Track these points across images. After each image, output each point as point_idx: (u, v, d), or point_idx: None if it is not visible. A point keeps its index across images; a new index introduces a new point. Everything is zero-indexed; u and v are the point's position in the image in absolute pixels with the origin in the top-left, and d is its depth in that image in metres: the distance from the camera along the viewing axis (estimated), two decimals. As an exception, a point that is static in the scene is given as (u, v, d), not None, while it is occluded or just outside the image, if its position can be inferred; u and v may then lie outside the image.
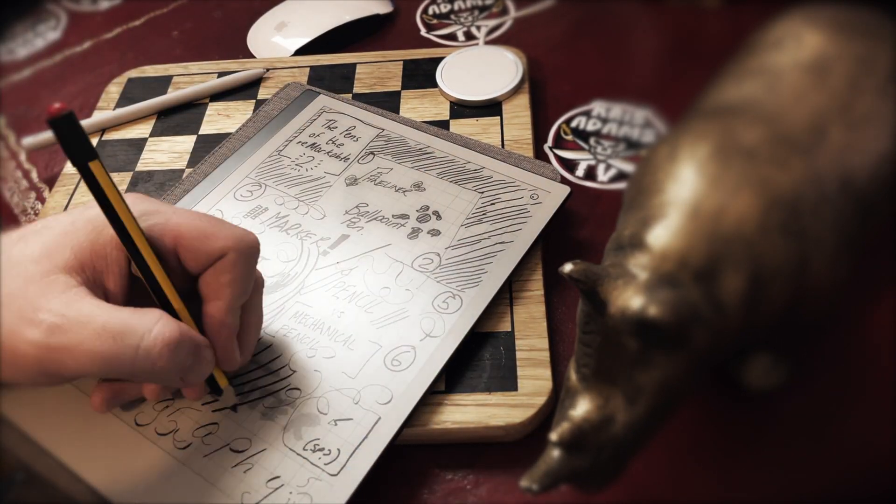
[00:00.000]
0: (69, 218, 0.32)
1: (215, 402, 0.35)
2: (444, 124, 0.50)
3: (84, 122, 0.52)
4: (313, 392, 0.35)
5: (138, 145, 0.51)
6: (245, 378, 0.36)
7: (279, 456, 0.33)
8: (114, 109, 0.54)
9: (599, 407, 0.27)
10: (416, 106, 0.52)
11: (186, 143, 0.51)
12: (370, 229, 0.42)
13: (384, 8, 0.60)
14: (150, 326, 0.29)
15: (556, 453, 0.27)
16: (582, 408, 0.28)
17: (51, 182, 0.51)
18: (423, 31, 0.60)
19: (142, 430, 0.35)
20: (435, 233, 0.42)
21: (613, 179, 0.47)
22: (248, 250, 0.33)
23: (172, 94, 0.54)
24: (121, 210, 0.30)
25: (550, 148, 0.49)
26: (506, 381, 0.36)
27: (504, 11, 0.61)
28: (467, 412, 0.35)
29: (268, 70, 0.55)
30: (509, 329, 0.38)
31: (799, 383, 0.35)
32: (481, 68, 0.52)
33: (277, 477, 0.33)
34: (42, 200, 0.50)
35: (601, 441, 0.27)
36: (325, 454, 0.33)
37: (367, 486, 0.32)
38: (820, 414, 0.35)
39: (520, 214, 0.42)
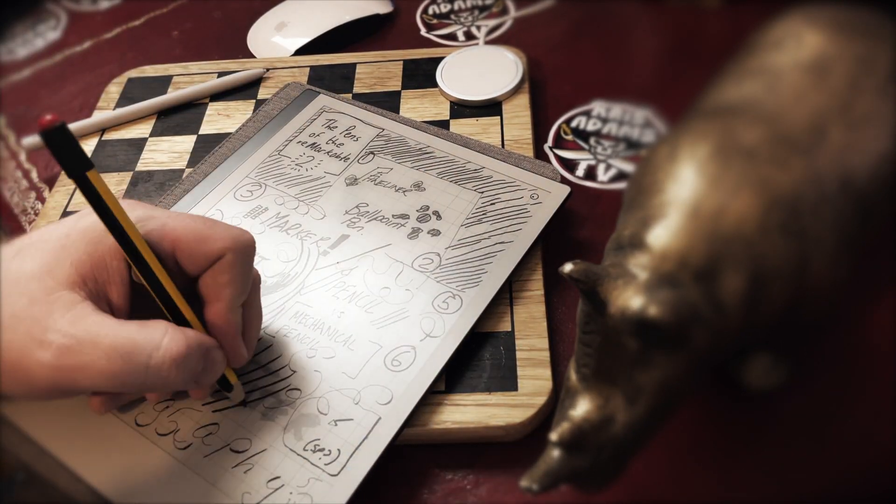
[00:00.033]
0: (62, 230, 0.32)
1: (217, 402, 0.35)
2: (444, 124, 0.50)
3: (84, 122, 0.52)
4: (313, 392, 0.35)
5: (138, 145, 0.51)
6: (245, 378, 0.36)
7: (279, 456, 0.33)
8: (114, 109, 0.54)
9: (599, 407, 0.27)
10: (416, 106, 0.52)
11: (186, 143, 0.51)
12: (370, 229, 0.42)
13: (384, 8, 0.60)
14: (158, 342, 0.29)
15: (556, 453, 0.27)
16: (582, 408, 0.28)
17: (51, 182, 0.51)
18: (423, 31, 0.60)
19: (142, 430, 0.35)
20: (435, 233, 0.42)
21: (613, 179, 0.47)
22: (245, 249, 0.33)
23: (172, 94, 0.54)
24: (122, 218, 0.30)
25: (550, 148, 0.49)
26: (506, 381, 0.36)
27: (504, 11, 0.61)
28: (467, 412, 0.35)
29: (268, 70, 0.55)
30: (509, 329, 0.38)
31: (799, 383, 0.35)
32: (481, 68, 0.52)
33: (278, 477, 0.33)
34: (42, 200, 0.50)
35: (601, 441, 0.27)
36: (325, 454, 0.33)
37: (367, 486, 0.32)
38: (820, 414, 0.35)
39: (520, 214, 0.42)
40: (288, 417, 0.35)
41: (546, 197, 0.43)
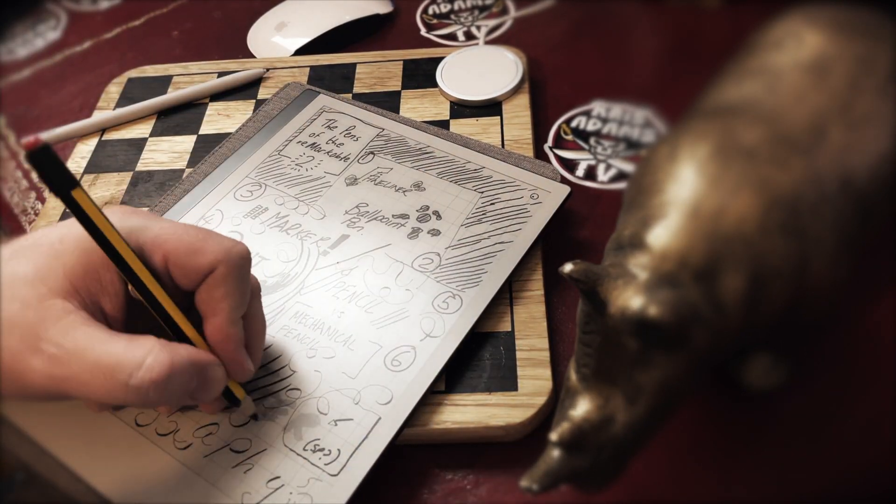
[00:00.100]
0: (57, 235, 0.31)
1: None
2: (444, 124, 0.50)
3: (84, 122, 0.52)
4: (313, 392, 0.35)
5: (138, 145, 0.51)
6: (245, 378, 0.36)
7: (279, 456, 0.33)
8: (114, 109, 0.54)
9: (599, 407, 0.27)
10: (416, 106, 0.52)
11: (186, 142, 0.51)
12: (370, 229, 0.42)
13: (384, 8, 0.60)
14: (141, 361, 0.28)
15: (556, 453, 0.27)
16: (582, 408, 0.28)
17: (51, 182, 0.51)
18: (423, 31, 0.60)
19: (142, 430, 0.35)
20: (435, 233, 0.42)
21: (613, 179, 0.47)
22: (238, 261, 0.32)
23: (172, 94, 0.54)
24: (111, 236, 0.29)
25: (550, 148, 0.49)
26: (506, 381, 0.36)
27: (504, 11, 0.61)
28: (467, 412, 0.35)
29: (268, 70, 0.56)
30: (509, 329, 0.38)
31: (799, 383, 0.35)
32: (481, 68, 0.52)
33: (278, 477, 0.33)
34: (42, 200, 0.50)
35: (601, 441, 0.27)
36: (325, 454, 0.33)
37: (367, 486, 0.32)
38: (820, 414, 0.35)
39: (520, 214, 0.42)
40: (288, 417, 0.35)
41: (546, 197, 0.43)
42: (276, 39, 0.59)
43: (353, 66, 0.55)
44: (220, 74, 0.56)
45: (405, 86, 0.53)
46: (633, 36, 0.56)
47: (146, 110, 0.53)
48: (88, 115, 0.54)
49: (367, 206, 0.44)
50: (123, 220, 0.32)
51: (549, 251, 0.42)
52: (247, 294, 0.33)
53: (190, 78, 0.56)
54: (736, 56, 0.35)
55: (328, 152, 0.47)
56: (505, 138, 0.48)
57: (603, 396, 0.27)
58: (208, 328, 0.32)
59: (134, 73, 0.57)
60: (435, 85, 0.53)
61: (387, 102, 0.52)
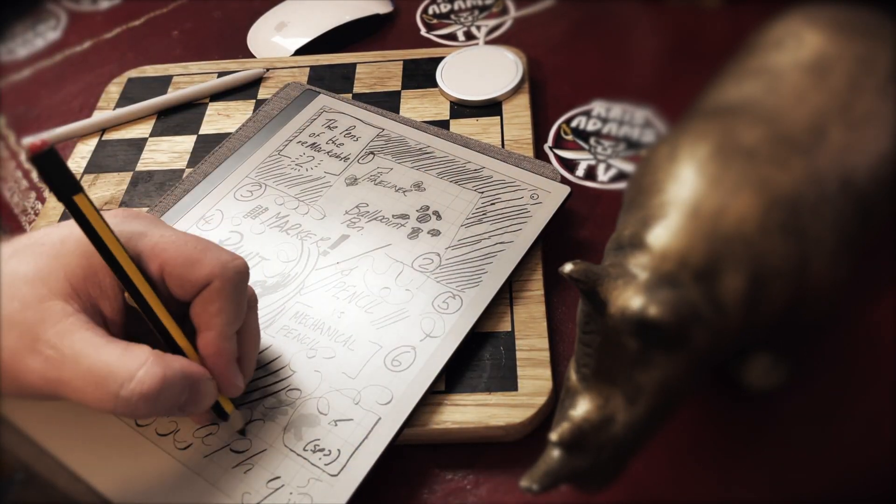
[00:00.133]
0: (59, 236, 0.31)
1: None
2: (444, 124, 0.50)
3: (84, 122, 0.52)
4: (313, 392, 0.35)
5: (138, 145, 0.51)
6: (245, 378, 0.36)
7: (279, 456, 0.33)
8: (114, 109, 0.54)
9: (599, 407, 0.27)
10: (416, 106, 0.52)
11: (186, 143, 0.51)
12: (370, 229, 0.42)
13: (384, 8, 0.60)
14: (133, 373, 0.28)
15: (556, 453, 0.27)
16: (582, 408, 0.28)
17: (51, 182, 0.51)
18: (423, 31, 0.60)
19: (142, 430, 0.35)
20: (435, 233, 0.42)
21: (613, 179, 0.47)
22: (235, 276, 0.31)
23: (172, 94, 0.54)
24: (111, 243, 0.29)
25: (550, 148, 0.49)
26: (506, 381, 0.36)
27: (504, 11, 0.61)
28: (467, 412, 0.35)
29: (268, 70, 0.56)
30: (509, 329, 0.38)
31: (799, 383, 0.35)
32: (481, 68, 0.52)
33: (278, 477, 0.33)
34: (42, 200, 0.50)
35: (601, 441, 0.27)
36: (325, 454, 0.33)
37: (367, 486, 0.32)
38: (820, 414, 0.35)
39: (520, 214, 0.42)
40: (288, 417, 0.35)
41: (546, 197, 0.43)
42: (276, 39, 0.59)
43: (353, 66, 0.55)
44: (220, 74, 0.56)
45: (405, 86, 0.53)
46: (633, 36, 0.56)
47: (146, 110, 0.53)
48: (88, 115, 0.54)
49: (367, 206, 0.44)
50: (124, 224, 0.31)
51: (549, 251, 0.42)
52: (242, 309, 0.32)
53: (190, 78, 0.56)
54: (736, 56, 0.35)
55: (328, 152, 0.47)
56: (505, 138, 0.48)
57: (603, 396, 0.27)
58: (201, 342, 0.31)
59: (134, 73, 0.57)
60: (435, 85, 0.53)
61: (387, 102, 0.52)
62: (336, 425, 0.34)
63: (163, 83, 0.56)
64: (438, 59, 0.54)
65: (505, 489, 0.34)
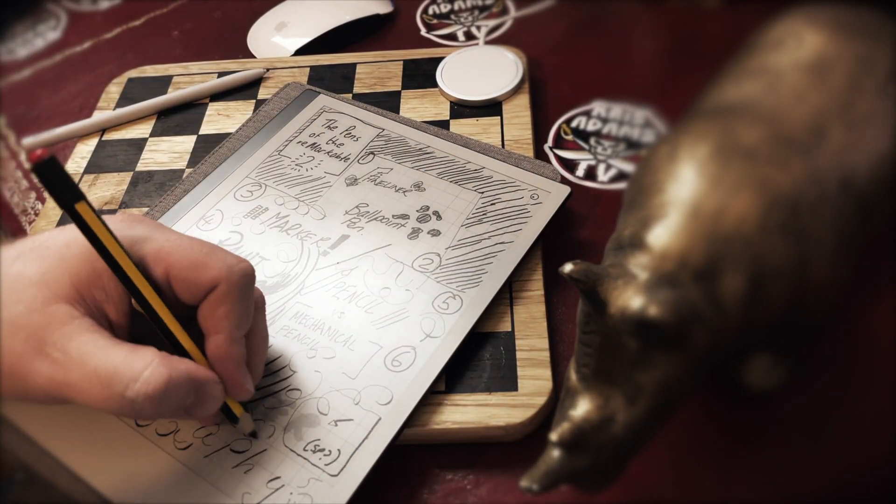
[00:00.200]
0: (64, 239, 0.31)
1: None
2: (444, 124, 0.50)
3: (84, 122, 0.52)
4: (313, 393, 0.35)
5: (138, 145, 0.51)
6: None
7: (280, 456, 0.33)
8: (114, 109, 0.54)
9: (599, 407, 0.27)
10: (416, 106, 0.52)
11: (186, 143, 0.51)
12: (370, 229, 0.42)
13: (384, 8, 0.60)
14: (139, 373, 0.28)
15: (556, 453, 0.27)
16: (582, 408, 0.28)
17: (51, 182, 0.51)
18: (423, 31, 0.60)
19: (142, 430, 0.35)
20: (435, 233, 0.42)
21: (613, 179, 0.47)
22: (242, 279, 0.31)
23: (172, 94, 0.54)
24: (114, 250, 0.29)
25: (550, 148, 0.49)
26: (506, 381, 0.36)
27: (504, 11, 0.61)
28: (467, 412, 0.35)
29: (268, 70, 0.56)
30: (509, 329, 0.38)
31: (799, 383, 0.35)
32: (481, 68, 0.52)
33: (278, 477, 0.33)
34: (42, 200, 0.50)
35: (601, 441, 0.27)
36: (325, 455, 0.33)
37: (367, 486, 0.32)
38: (820, 414, 0.35)
39: (520, 214, 0.42)
40: (288, 417, 0.35)
41: (546, 197, 0.43)
42: (276, 39, 0.59)
43: (353, 66, 0.55)
44: (220, 74, 0.56)
45: (405, 86, 0.53)
46: (633, 36, 0.56)
47: (146, 110, 0.53)
48: (88, 115, 0.54)
49: (368, 206, 0.44)
50: (127, 228, 0.31)
51: (549, 251, 0.42)
52: (250, 312, 0.32)
53: (190, 78, 0.56)
54: (736, 56, 0.35)
55: (328, 152, 0.47)
56: (505, 138, 0.48)
57: (603, 396, 0.27)
58: (209, 346, 0.31)
59: (134, 73, 0.57)
60: (435, 85, 0.53)
61: (387, 102, 0.52)
62: (336, 425, 0.34)
63: (163, 83, 0.56)
64: (438, 59, 0.54)
65: (505, 489, 0.34)
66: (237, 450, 0.34)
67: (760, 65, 0.33)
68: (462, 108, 0.51)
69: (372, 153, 0.47)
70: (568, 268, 0.27)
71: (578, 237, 0.44)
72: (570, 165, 0.48)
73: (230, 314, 0.31)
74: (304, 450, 0.33)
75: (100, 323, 0.30)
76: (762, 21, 0.36)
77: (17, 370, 0.28)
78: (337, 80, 0.54)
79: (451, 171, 0.45)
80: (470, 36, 0.59)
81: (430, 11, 0.62)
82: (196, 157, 0.50)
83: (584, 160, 0.48)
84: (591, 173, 0.47)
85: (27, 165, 0.53)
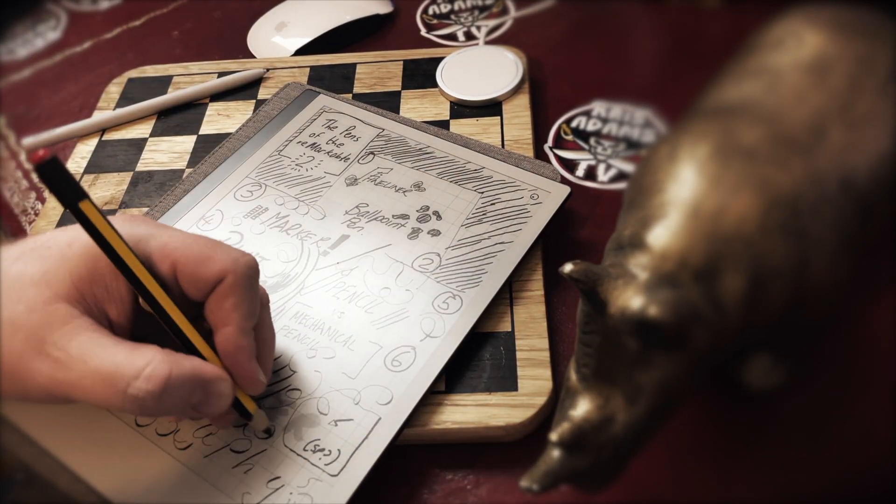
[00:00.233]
0: (66, 238, 0.31)
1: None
2: (444, 124, 0.50)
3: (84, 122, 0.52)
4: (313, 392, 0.35)
5: (138, 145, 0.51)
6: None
7: (280, 456, 0.33)
8: (114, 109, 0.54)
9: (599, 407, 0.27)
10: (416, 106, 0.52)
11: (186, 143, 0.51)
12: (370, 229, 0.42)
13: (384, 8, 0.60)
14: (140, 370, 0.28)
15: (556, 453, 0.27)
16: (582, 408, 0.28)
17: (51, 182, 0.51)
18: (423, 31, 0.60)
19: (142, 430, 0.35)
20: (435, 233, 0.42)
21: (613, 179, 0.47)
22: (247, 271, 0.31)
23: (172, 94, 0.54)
24: (119, 248, 0.29)
25: (550, 148, 0.49)
26: (506, 381, 0.36)
27: (504, 11, 0.61)
28: (467, 412, 0.35)
29: (268, 70, 0.56)
30: (509, 329, 0.38)
31: (799, 383, 0.35)
32: (481, 68, 0.52)
33: (278, 477, 0.33)
34: (42, 200, 0.50)
35: (601, 441, 0.27)
36: (325, 455, 0.33)
37: (367, 486, 0.32)
38: (820, 414, 0.35)
39: (520, 214, 0.42)
40: (288, 417, 0.35)
41: (546, 197, 0.43)
42: (276, 39, 0.59)
43: (353, 66, 0.55)
44: (220, 74, 0.56)
45: (405, 86, 0.53)
46: (633, 36, 0.56)
47: (146, 110, 0.53)
48: (88, 115, 0.54)
49: (368, 206, 0.44)
50: (130, 228, 0.31)
51: (549, 251, 0.42)
52: (257, 304, 0.32)
53: (190, 78, 0.56)
54: (736, 56, 0.35)
55: (328, 152, 0.47)
56: (505, 138, 0.48)
57: (603, 396, 0.27)
58: (219, 339, 0.31)
59: (134, 73, 0.57)
60: (435, 85, 0.53)
61: (387, 102, 0.52)
62: (336, 425, 0.34)
63: (163, 83, 0.56)
64: (438, 60, 0.54)
65: (505, 489, 0.34)
66: (237, 450, 0.34)
67: (760, 65, 0.33)
68: (462, 108, 0.51)
69: (372, 153, 0.47)
70: (568, 268, 0.27)
71: (578, 237, 0.44)
72: (570, 165, 0.48)
73: (238, 305, 0.31)
74: (304, 450, 0.33)
75: (101, 322, 0.30)
76: (762, 21, 0.36)
77: (17, 370, 0.28)
78: (337, 80, 0.54)
79: (451, 171, 0.45)
80: (470, 36, 0.59)
81: (430, 11, 0.62)
82: (196, 157, 0.50)
83: (584, 160, 0.48)
84: (591, 173, 0.47)
85: (27, 165, 0.53)
